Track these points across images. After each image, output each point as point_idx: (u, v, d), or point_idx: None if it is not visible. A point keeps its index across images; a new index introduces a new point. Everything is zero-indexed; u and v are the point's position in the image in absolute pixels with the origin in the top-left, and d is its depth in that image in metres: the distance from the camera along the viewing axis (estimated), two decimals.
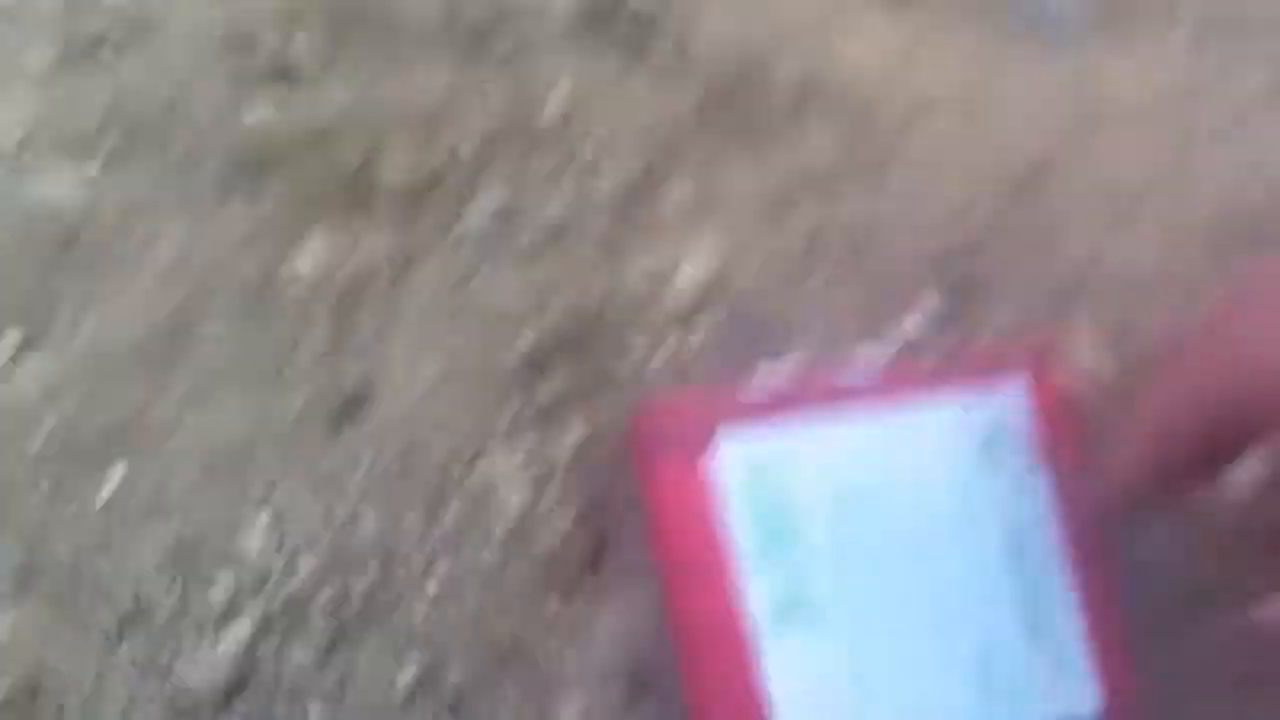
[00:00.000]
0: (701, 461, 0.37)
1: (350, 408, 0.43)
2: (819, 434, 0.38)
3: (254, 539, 0.42)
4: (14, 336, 0.45)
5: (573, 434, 0.44)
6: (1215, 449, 0.33)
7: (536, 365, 0.44)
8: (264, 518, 0.42)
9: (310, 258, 0.45)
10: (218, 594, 0.41)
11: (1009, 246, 0.47)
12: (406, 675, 0.41)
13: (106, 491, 0.42)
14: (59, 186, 0.48)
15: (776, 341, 0.45)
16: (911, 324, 0.45)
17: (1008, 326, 0.46)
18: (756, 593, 0.37)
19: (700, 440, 0.38)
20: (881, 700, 0.37)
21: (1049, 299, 0.47)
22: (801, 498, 0.38)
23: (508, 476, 0.43)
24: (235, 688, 0.41)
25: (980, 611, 0.38)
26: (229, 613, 0.41)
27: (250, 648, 0.41)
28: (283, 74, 0.50)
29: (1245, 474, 0.35)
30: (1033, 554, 0.38)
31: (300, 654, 0.41)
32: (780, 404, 0.39)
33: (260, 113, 0.48)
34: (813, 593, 0.37)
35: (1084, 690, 0.38)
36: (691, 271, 0.46)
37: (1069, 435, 0.39)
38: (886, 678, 0.37)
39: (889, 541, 0.38)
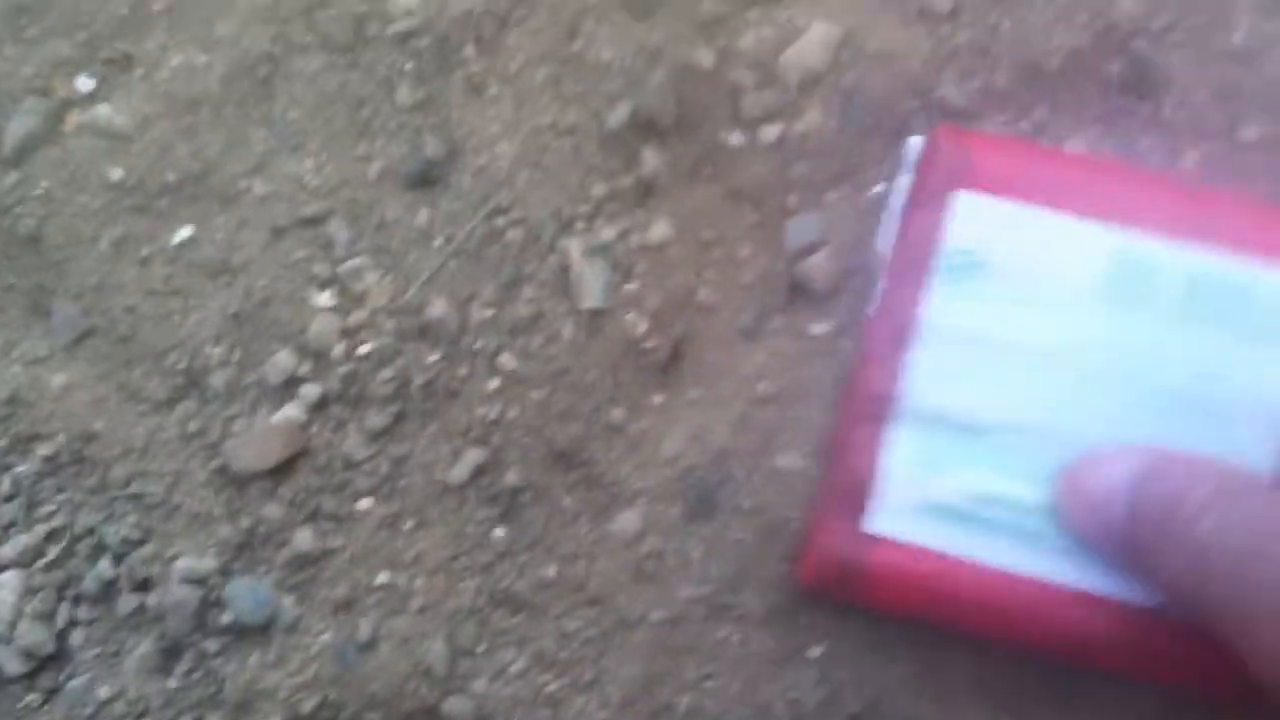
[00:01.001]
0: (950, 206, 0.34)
1: (431, 173, 0.39)
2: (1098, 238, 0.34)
3: (317, 315, 0.38)
4: (89, 76, 0.41)
5: (664, 222, 0.39)
6: None
7: (636, 139, 0.39)
8: (329, 293, 0.39)
9: (409, 0, 0.40)
10: (274, 370, 0.38)
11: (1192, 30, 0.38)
12: (460, 472, 0.38)
13: (171, 253, 0.39)
14: None
15: (912, 118, 0.39)
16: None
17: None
18: (920, 370, 0.34)
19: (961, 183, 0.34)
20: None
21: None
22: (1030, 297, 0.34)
23: (588, 265, 0.38)
24: (284, 470, 0.38)
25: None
26: (284, 391, 0.38)
27: (303, 428, 0.38)
28: None
29: None
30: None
31: (353, 440, 0.38)
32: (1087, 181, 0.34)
33: None
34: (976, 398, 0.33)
35: None
36: (819, 34, 0.39)
37: None
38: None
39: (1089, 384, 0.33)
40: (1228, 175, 0.38)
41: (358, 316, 0.39)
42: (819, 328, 0.38)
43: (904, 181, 0.36)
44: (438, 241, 0.39)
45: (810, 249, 0.38)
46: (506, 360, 0.38)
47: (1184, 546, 0.28)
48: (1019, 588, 0.33)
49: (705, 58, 0.39)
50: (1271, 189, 0.37)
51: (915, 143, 0.36)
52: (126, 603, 0.38)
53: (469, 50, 0.40)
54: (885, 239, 0.36)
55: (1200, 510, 0.28)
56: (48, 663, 0.38)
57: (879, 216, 0.38)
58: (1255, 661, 0.27)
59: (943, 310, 0.34)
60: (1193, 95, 0.38)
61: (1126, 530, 0.30)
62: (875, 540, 0.34)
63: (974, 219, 0.34)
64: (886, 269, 0.35)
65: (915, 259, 0.34)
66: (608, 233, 0.39)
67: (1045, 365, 0.34)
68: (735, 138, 0.39)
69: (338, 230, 0.39)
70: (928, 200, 0.35)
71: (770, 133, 0.39)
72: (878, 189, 0.38)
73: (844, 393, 0.36)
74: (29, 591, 0.38)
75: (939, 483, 0.34)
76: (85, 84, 0.41)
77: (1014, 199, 0.34)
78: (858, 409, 0.34)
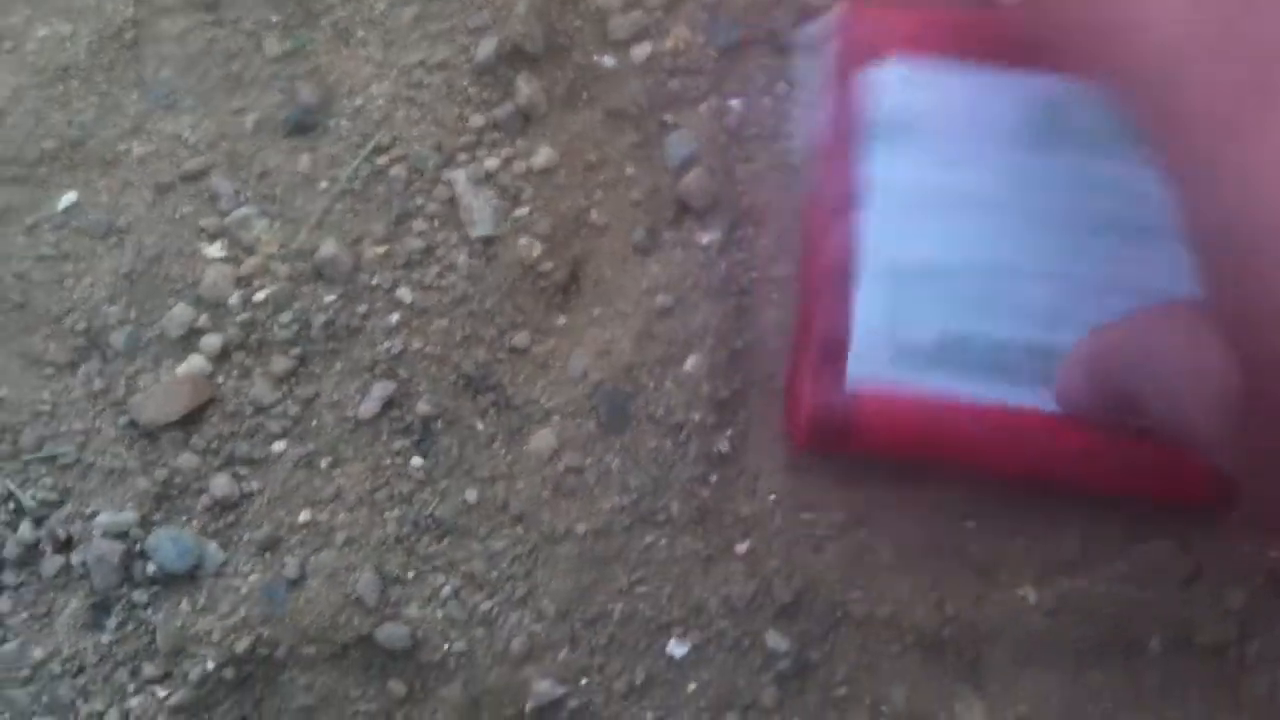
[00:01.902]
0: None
1: (308, 120, 0.39)
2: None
3: (210, 266, 0.39)
4: None
5: (546, 148, 0.40)
6: None
7: (508, 69, 0.40)
8: (219, 244, 0.39)
9: None
10: (173, 324, 0.39)
11: None
12: (370, 406, 0.39)
13: (57, 219, 0.40)
14: None
15: (776, 25, 0.40)
16: None
17: None
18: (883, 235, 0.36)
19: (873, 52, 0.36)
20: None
21: None
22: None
23: (474, 195, 0.39)
24: (194, 419, 0.39)
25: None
26: (185, 343, 0.39)
27: (209, 378, 0.39)
28: None
29: None
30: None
31: (260, 385, 0.39)
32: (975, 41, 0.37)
33: None
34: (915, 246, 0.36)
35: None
36: None
37: None
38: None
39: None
40: None
41: (250, 264, 0.39)
42: (708, 237, 0.40)
43: (808, 65, 0.38)
44: (322, 185, 0.40)
45: (688, 164, 0.40)
46: (404, 294, 0.39)
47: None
48: (1001, 417, 0.35)
49: None
50: None
51: (813, 28, 0.38)
52: (51, 563, 0.38)
53: None
54: (808, 120, 0.38)
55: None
56: None
57: (775, 113, 0.39)
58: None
59: (882, 172, 0.36)
60: None
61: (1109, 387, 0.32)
62: (860, 391, 0.35)
63: (895, 83, 0.36)
64: (818, 145, 0.37)
65: (846, 130, 0.36)
66: (491, 162, 0.40)
67: (985, 210, 0.36)
68: (607, 60, 0.41)
69: (221, 183, 0.40)
70: (848, 73, 0.36)
71: (640, 52, 0.41)
72: (779, 86, 0.40)
73: (803, 262, 0.37)
74: None
75: (910, 329, 0.35)
76: None
77: (928, 59, 0.36)
78: (820, 275, 0.36)
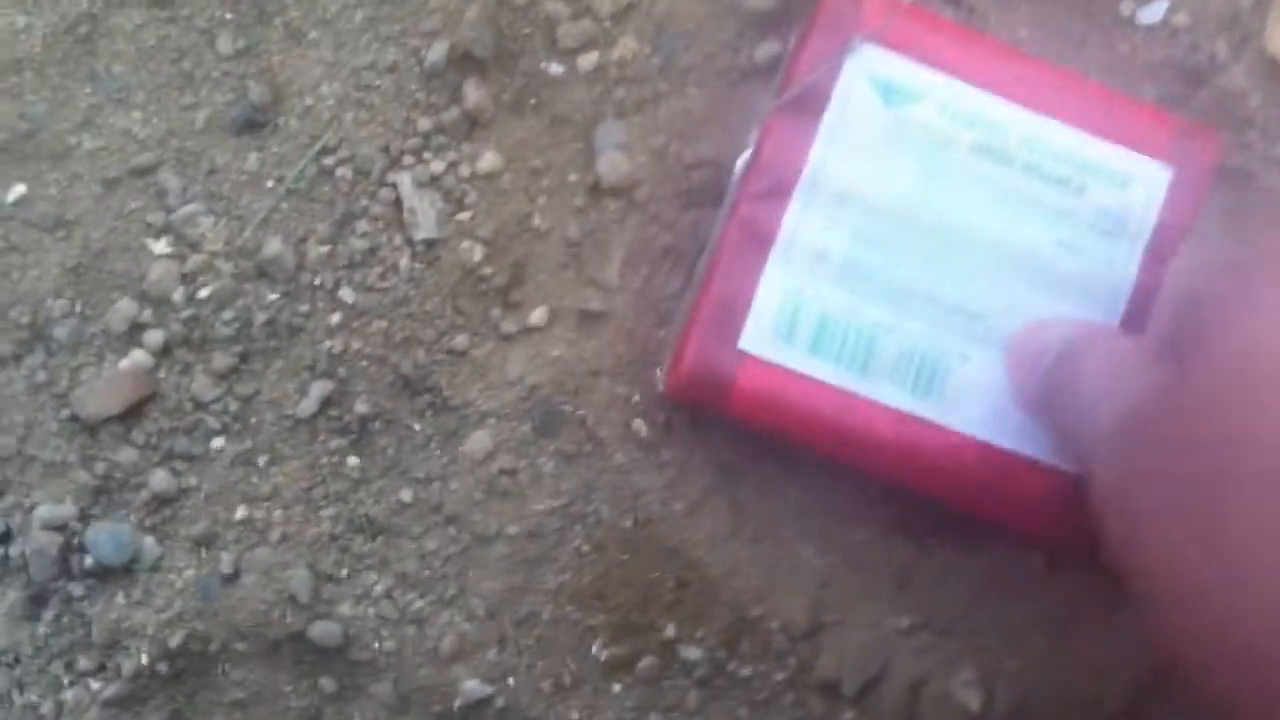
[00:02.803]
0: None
1: (257, 119, 0.40)
2: (958, 92, 0.37)
3: (155, 262, 0.39)
4: None
5: (492, 153, 0.40)
6: None
7: (456, 74, 0.40)
8: (165, 240, 0.40)
9: None
10: (117, 319, 0.39)
11: None
12: (309, 405, 0.39)
13: (5, 211, 0.40)
14: None
15: (722, 39, 0.41)
16: None
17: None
18: (803, 219, 0.37)
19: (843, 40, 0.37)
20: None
21: None
22: (897, 146, 0.37)
23: (419, 197, 0.40)
24: (134, 414, 0.39)
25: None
26: (129, 338, 0.39)
27: (151, 373, 0.39)
28: None
29: None
30: (1090, 314, 0.37)
31: (201, 381, 0.39)
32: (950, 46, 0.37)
33: None
34: (851, 249, 0.37)
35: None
36: None
37: (1183, 227, 0.37)
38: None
39: (953, 236, 0.37)
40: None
41: (195, 261, 0.40)
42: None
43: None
44: (269, 184, 0.40)
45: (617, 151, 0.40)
46: (346, 294, 0.40)
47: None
48: (868, 412, 0.36)
49: None
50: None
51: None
52: None
53: None
54: (765, 101, 0.39)
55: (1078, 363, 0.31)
56: None
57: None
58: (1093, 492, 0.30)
59: (824, 160, 0.37)
60: None
61: (1043, 386, 0.34)
62: (744, 358, 0.36)
63: (860, 74, 0.37)
64: (768, 120, 0.37)
65: (799, 111, 0.37)
66: (437, 165, 0.40)
67: (913, 219, 0.37)
68: (555, 68, 0.41)
69: (169, 179, 0.40)
70: (818, 51, 0.37)
71: (588, 61, 0.41)
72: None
73: (725, 223, 0.38)
74: None
75: (807, 313, 0.36)
76: None
77: (900, 56, 0.37)
78: (738, 239, 0.37)
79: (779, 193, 0.37)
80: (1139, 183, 0.38)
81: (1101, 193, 0.37)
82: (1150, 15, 0.42)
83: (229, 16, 0.41)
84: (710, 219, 0.40)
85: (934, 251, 0.37)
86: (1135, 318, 0.37)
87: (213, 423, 0.39)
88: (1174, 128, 0.38)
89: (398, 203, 0.40)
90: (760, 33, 0.41)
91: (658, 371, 0.39)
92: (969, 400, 0.37)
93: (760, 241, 0.37)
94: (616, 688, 0.39)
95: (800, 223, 0.37)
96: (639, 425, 0.40)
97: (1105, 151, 0.38)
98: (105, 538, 0.39)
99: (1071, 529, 0.36)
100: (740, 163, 0.39)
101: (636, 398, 0.40)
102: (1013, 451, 0.36)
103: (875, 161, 0.37)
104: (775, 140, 0.37)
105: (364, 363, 0.40)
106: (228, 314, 0.40)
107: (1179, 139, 0.38)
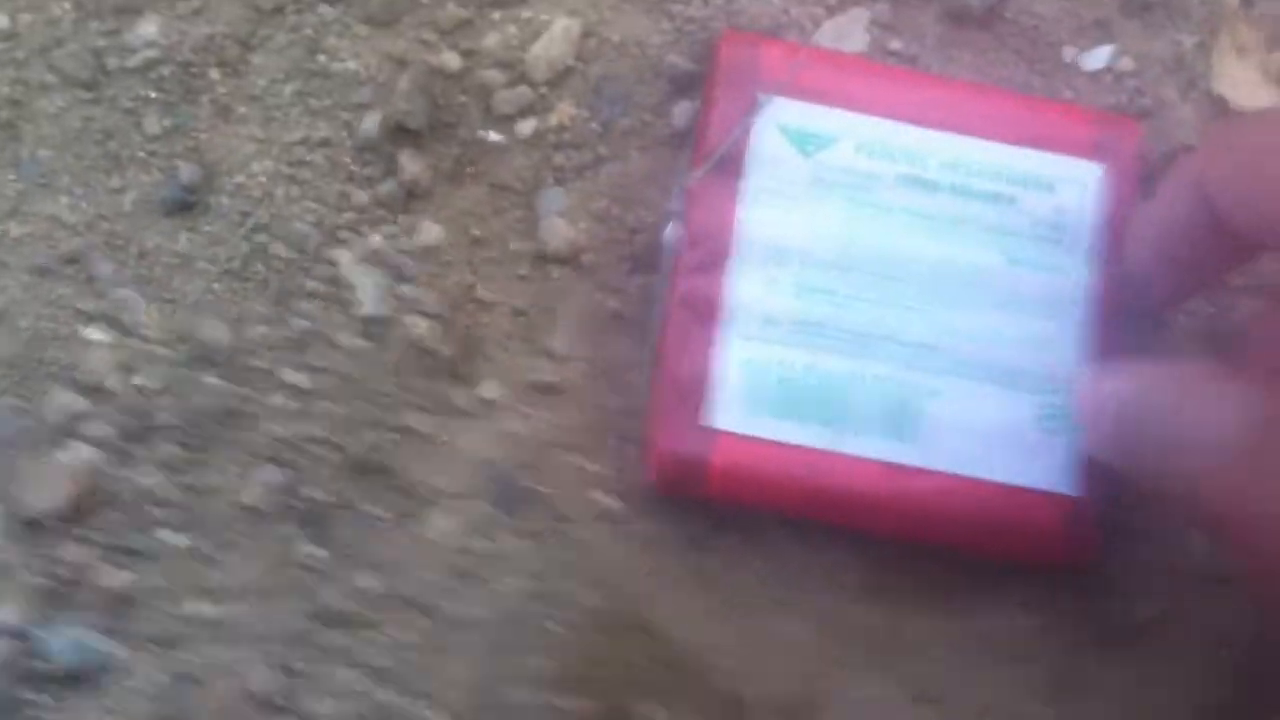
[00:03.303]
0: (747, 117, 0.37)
1: (188, 199, 0.39)
2: (875, 128, 0.37)
3: (89, 350, 0.38)
4: None
5: (432, 224, 0.40)
6: (1221, 249, 0.33)
7: (391, 146, 0.39)
8: (99, 327, 0.39)
9: (148, 31, 0.40)
10: (53, 411, 0.38)
11: None
12: (259, 493, 0.38)
13: None
14: None
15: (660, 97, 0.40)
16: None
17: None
18: (743, 284, 0.36)
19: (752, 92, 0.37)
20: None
21: None
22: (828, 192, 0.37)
23: (359, 273, 0.39)
24: (78, 510, 0.38)
25: (986, 368, 0.37)
26: (67, 430, 0.38)
27: (92, 466, 0.38)
28: None
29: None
30: (1051, 325, 0.37)
31: (145, 472, 0.38)
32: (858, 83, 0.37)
33: None
34: (797, 304, 0.36)
35: (1068, 468, 0.37)
36: (562, 29, 0.40)
37: (1121, 222, 0.37)
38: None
39: (901, 273, 0.37)
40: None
41: (131, 347, 0.39)
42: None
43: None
44: (202, 265, 0.39)
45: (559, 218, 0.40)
46: (289, 375, 0.39)
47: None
48: (856, 469, 0.36)
49: (451, 60, 0.40)
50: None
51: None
52: None
53: (214, 74, 0.40)
54: (689, 159, 0.38)
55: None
56: None
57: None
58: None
59: (752, 222, 0.37)
60: None
61: (1125, 434, 0.33)
62: (714, 437, 0.36)
63: (771, 128, 0.37)
64: (689, 191, 0.37)
65: (718, 177, 0.37)
66: (376, 239, 0.40)
67: (855, 262, 0.37)
68: (492, 135, 0.41)
69: (100, 264, 0.39)
70: (725, 114, 0.37)
71: (526, 127, 0.41)
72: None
73: (668, 297, 0.38)
74: None
75: (774, 377, 0.36)
76: None
77: (808, 102, 0.37)
78: (683, 317, 0.37)
79: (714, 263, 0.37)
80: (1069, 184, 0.38)
81: (1035, 201, 0.38)
82: (1094, 61, 0.42)
83: (155, 95, 0.40)
84: (660, 283, 0.39)
85: (882, 291, 0.37)
86: (1098, 318, 0.37)
87: (160, 514, 0.39)
88: (1092, 121, 0.38)
89: (337, 279, 0.39)
90: (682, 93, 0.40)
91: (632, 463, 0.39)
92: (949, 437, 0.36)
93: (705, 315, 0.37)
94: None
95: (742, 289, 0.37)
96: (603, 498, 0.40)
97: (1029, 159, 0.38)
98: (60, 641, 0.38)
99: (1081, 550, 0.36)
100: (668, 234, 0.38)
101: (598, 469, 0.40)
102: (1003, 483, 0.36)
103: (804, 213, 0.37)
104: (700, 211, 0.37)
105: (313, 446, 0.39)
106: (167, 400, 0.39)
107: (1100, 131, 0.38)
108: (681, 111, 0.40)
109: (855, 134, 0.37)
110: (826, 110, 0.37)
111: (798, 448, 0.36)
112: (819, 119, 0.37)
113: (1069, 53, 0.42)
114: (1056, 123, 0.38)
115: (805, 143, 0.37)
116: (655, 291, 0.39)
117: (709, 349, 0.36)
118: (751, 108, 0.37)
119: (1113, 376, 0.34)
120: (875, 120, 0.37)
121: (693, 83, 0.40)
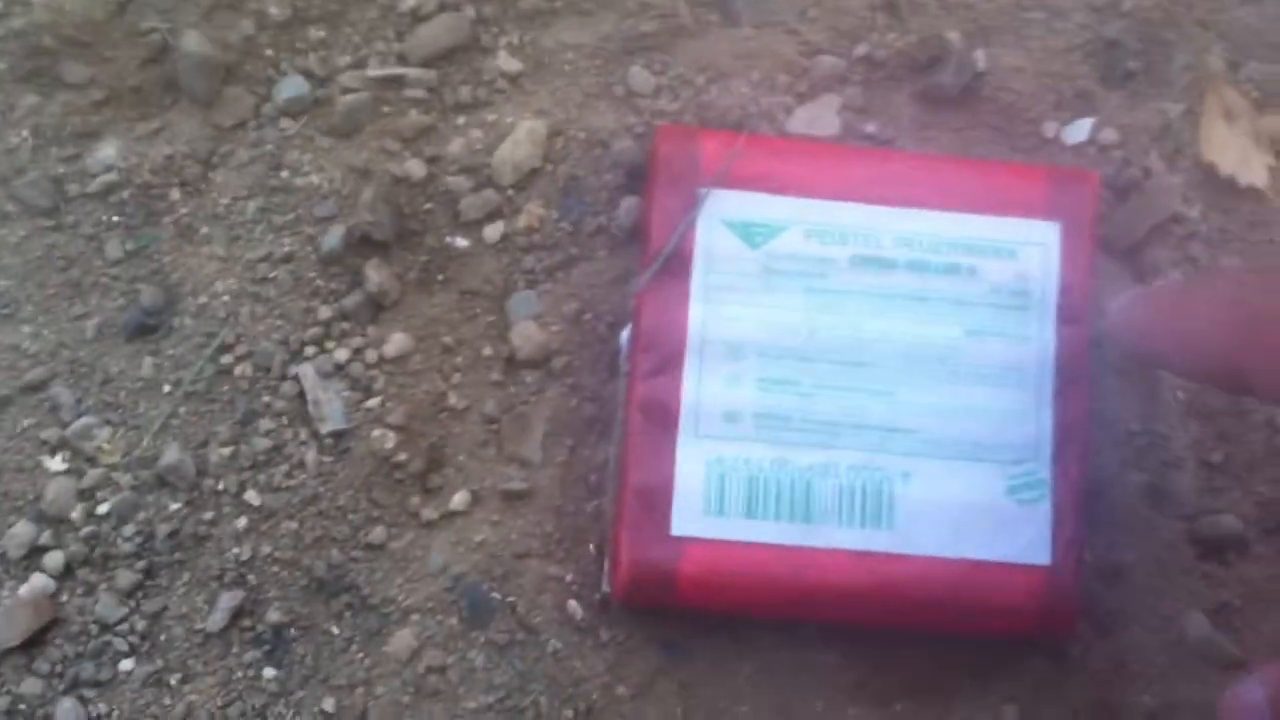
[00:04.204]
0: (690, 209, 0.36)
1: (150, 322, 0.38)
2: (825, 213, 0.36)
3: (51, 480, 0.38)
4: None
5: (400, 334, 0.39)
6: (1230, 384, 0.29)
7: (356, 257, 0.39)
8: (61, 457, 0.38)
9: (107, 154, 0.40)
10: (13, 543, 0.37)
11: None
12: (219, 618, 0.37)
13: None
14: None
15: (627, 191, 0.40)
16: None
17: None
18: (702, 384, 0.35)
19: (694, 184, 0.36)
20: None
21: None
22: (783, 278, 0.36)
23: (323, 389, 0.38)
24: (37, 642, 0.37)
25: (956, 445, 0.35)
26: (27, 562, 0.37)
27: (52, 597, 0.37)
28: None
29: None
30: (1020, 394, 0.35)
31: (105, 601, 0.37)
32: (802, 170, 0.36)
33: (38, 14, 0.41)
34: (760, 398, 0.35)
35: (1042, 538, 0.35)
36: (527, 131, 0.40)
37: (1086, 281, 0.36)
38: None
39: (865, 352, 0.35)
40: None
41: (93, 476, 0.38)
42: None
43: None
44: (165, 388, 0.38)
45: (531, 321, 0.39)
46: (252, 496, 0.38)
47: None
48: (830, 563, 0.34)
49: (416, 168, 0.40)
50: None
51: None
52: None
53: (174, 194, 0.40)
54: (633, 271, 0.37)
55: None
56: None
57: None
58: None
59: (705, 320, 0.35)
60: None
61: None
62: (681, 545, 0.34)
63: (715, 223, 0.36)
64: (638, 295, 0.36)
65: (667, 277, 0.36)
66: (341, 353, 0.39)
67: (814, 350, 0.35)
68: (460, 241, 0.40)
69: (62, 393, 0.38)
70: (667, 212, 0.36)
71: (494, 232, 0.40)
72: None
73: (625, 409, 0.36)
74: None
75: (741, 475, 0.35)
76: None
77: (751, 191, 0.36)
78: (642, 423, 0.35)
79: (669, 365, 0.35)
80: (1029, 247, 0.36)
81: (995, 269, 0.36)
82: (1076, 134, 0.41)
83: (116, 219, 0.40)
84: (619, 390, 0.38)
85: (845, 377, 0.35)
86: (1064, 385, 0.35)
87: (120, 644, 0.37)
88: (1046, 178, 0.37)
89: (301, 396, 0.38)
90: (630, 189, 0.40)
91: (602, 575, 0.37)
92: (922, 520, 0.35)
93: (665, 420, 0.35)
94: None
95: (700, 389, 0.35)
96: (573, 607, 0.38)
97: (985, 225, 0.36)
98: None
99: (1058, 621, 0.35)
100: (624, 338, 0.37)
101: (569, 577, 0.38)
102: (978, 559, 0.35)
103: (757, 305, 0.36)
104: (651, 313, 0.36)
105: (275, 567, 0.38)
106: (129, 528, 0.38)
107: (1055, 189, 0.36)
108: (628, 209, 0.40)
109: (803, 219, 0.36)
110: (771, 198, 0.36)
111: (769, 546, 0.34)
112: (764, 208, 0.36)
113: (1050, 127, 0.41)
114: (1010, 185, 0.36)
115: (752, 234, 0.36)
116: (617, 399, 0.38)
117: (671, 454, 0.35)
118: (692, 203, 0.36)
119: (1249, 688, 0.32)
120: (823, 203, 0.36)
121: (641, 176, 0.40)
